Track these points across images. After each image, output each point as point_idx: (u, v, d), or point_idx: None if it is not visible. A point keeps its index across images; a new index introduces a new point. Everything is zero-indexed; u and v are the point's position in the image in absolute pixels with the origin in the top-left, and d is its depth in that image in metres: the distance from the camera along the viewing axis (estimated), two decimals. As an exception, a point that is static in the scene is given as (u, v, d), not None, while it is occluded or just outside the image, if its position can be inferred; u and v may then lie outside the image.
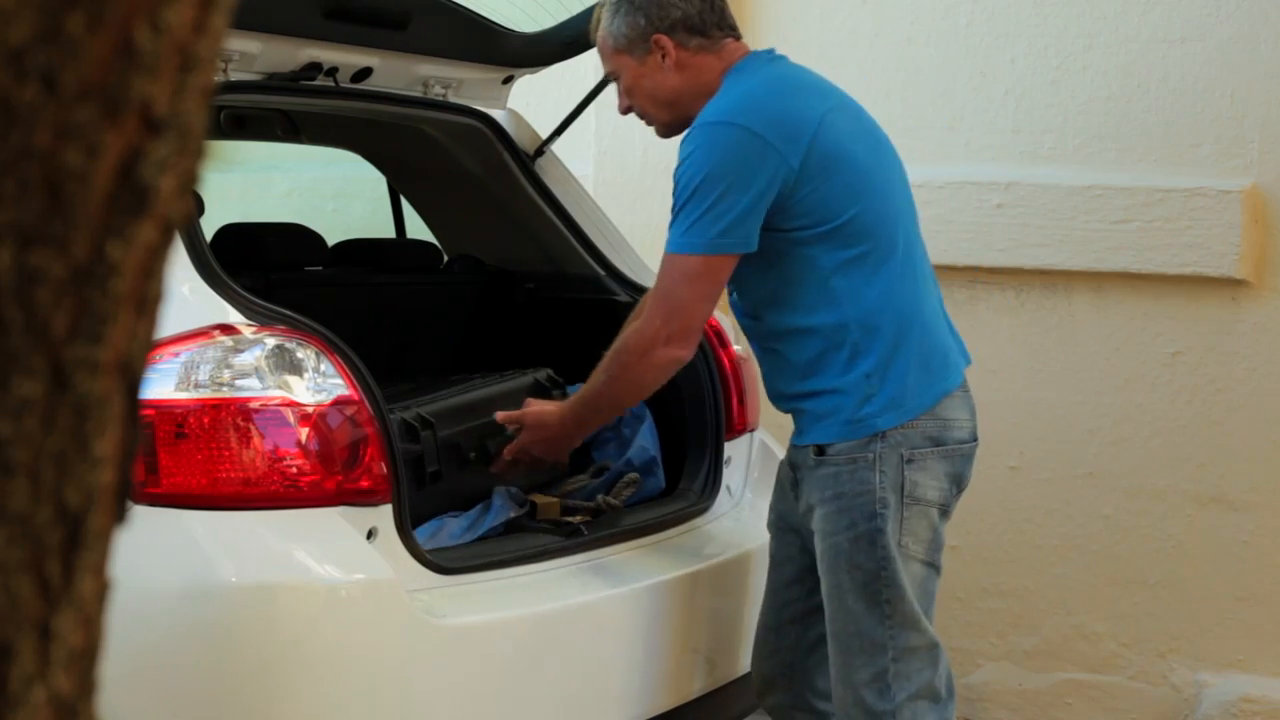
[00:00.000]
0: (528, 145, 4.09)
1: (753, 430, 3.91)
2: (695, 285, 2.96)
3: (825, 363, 3.00)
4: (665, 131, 3.22)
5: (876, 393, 2.96)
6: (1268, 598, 4.39)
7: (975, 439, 3.08)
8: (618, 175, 5.07)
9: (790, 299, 3.01)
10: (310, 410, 2.77)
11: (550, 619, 3.03)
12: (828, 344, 3.00)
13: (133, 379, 0.92)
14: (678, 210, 2.97)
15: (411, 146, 4.19)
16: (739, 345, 3.87)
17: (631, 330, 3.10)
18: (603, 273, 3.98)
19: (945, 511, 3.04)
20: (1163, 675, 4.50)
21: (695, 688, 3.36)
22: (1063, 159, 4.56)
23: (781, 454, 3.92)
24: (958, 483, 3.05)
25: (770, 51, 3.17)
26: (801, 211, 2.95)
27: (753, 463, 3.87)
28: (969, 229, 4.60)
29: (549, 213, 4.02)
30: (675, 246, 2.96)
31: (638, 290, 3.80)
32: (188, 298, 2.83)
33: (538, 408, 3.22)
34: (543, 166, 4.10)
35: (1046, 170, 4.57)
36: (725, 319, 4.06)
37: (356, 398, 2.83)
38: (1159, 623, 4.50)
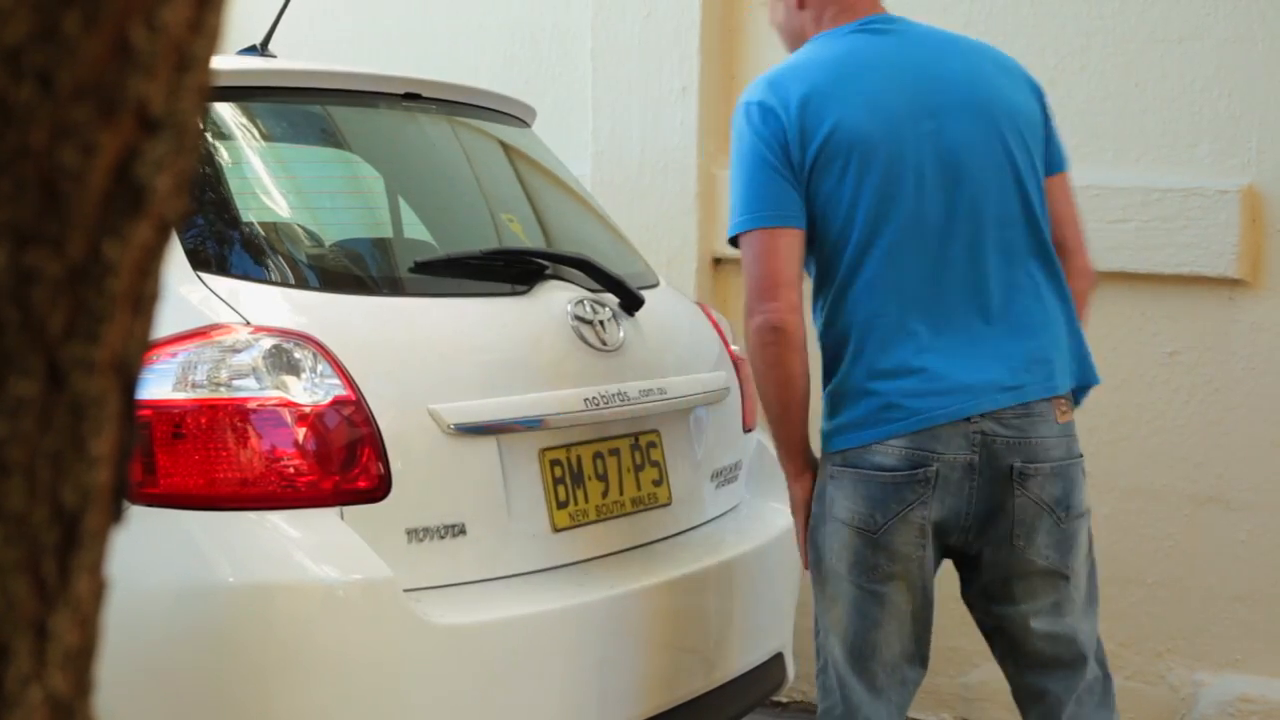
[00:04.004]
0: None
1: (751, 430, 3.93)
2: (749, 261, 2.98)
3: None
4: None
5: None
6: (1265, 598, 4.39)
7: (919, 465, 2.86)
8: (615, 175, 5.08)
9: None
10: (307, 410, 2.77)
11: (547, 620, 3.03)
12: (823, 348, 3.02)
13: (129, 379, 0.92)
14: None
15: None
16: (736, 345, 3.89)
17: None
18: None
19: (867, 530, 2.90)
20: (1160, 675, 4.51)
21: (692, 688, 3.37)
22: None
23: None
24: (880, 506, 2.88)
25: (874, 19, 3.05)
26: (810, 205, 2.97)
27: (751, 463, 3.89)
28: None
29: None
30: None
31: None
32: (185, 298, 2.83)
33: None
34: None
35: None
36: (725, 320, 4.08)
37: (354, 398, 2.83)
38: (1157, 622, 4.50)
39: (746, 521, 3.73)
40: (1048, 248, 2.98)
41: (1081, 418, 4.46)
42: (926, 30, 3.07)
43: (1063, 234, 3.04)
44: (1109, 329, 4.48)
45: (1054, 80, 4.55)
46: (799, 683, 4.42)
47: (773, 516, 3.75)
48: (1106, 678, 3.10)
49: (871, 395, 2.88)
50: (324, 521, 2.76)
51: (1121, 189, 4.44)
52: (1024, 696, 3.09)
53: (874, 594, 2.92)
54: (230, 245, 3.08)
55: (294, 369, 2.80)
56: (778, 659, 3.74)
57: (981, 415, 2.85)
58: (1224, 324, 4.39)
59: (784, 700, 4.81)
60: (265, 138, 3.39)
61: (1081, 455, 3.01)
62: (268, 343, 2.79)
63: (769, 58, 4.96)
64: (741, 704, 3.58)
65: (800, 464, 3.02)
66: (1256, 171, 4.35)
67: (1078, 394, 3.05)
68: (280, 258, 3.11)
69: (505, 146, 3.94)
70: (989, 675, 4.61)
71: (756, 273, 2.93)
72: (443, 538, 2.94)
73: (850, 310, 2.92)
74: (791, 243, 2.91)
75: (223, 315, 2.83)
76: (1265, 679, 4.40)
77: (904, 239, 2.89)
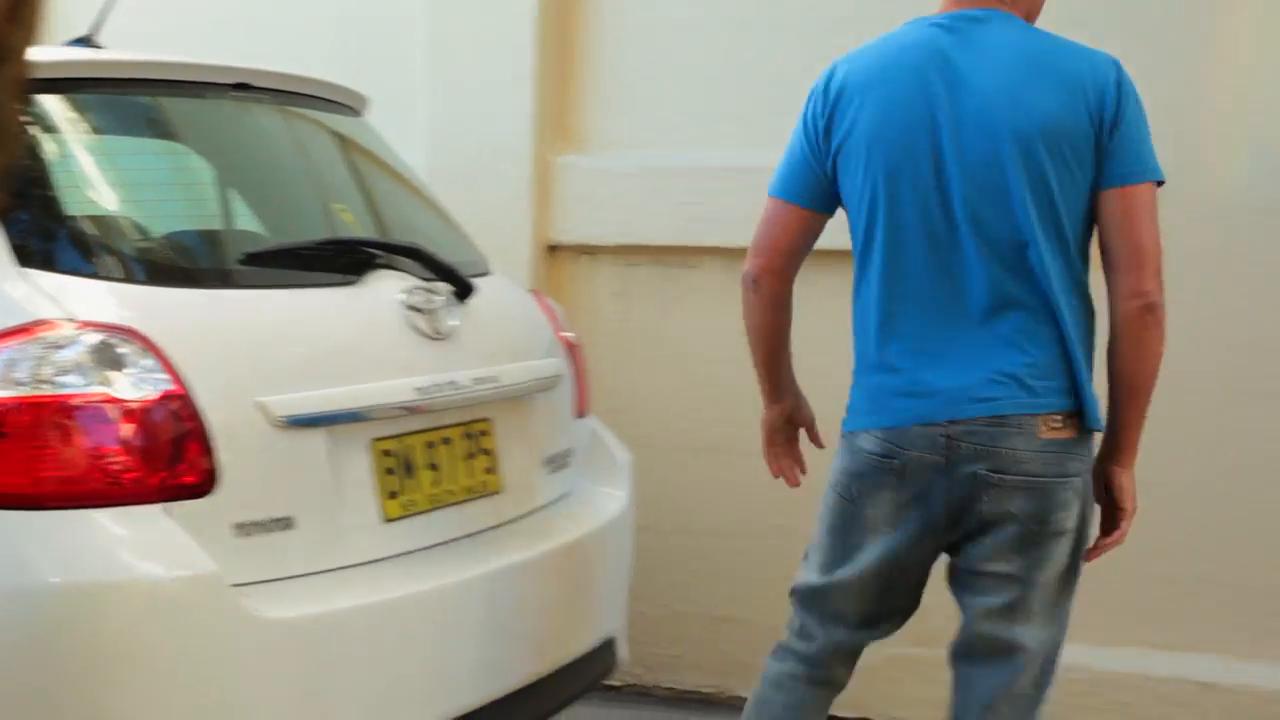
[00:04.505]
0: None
1: (583, 416, 3.97)
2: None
3: None
4: None
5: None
6: (1091, 569, 4.51)
7: (891, 457, 3.05)
8: (450, 163, 5.08)
9: None
10: (133, 406, 2.75)
11: (378, 611, 3.04)
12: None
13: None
14: None
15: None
16: (569, 331, 3.95)
17: None
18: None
19: (845, 497, 3.16)
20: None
21: (525, 675, 3.40)
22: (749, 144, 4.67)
23: (611, 441, 4.00)
24: (857, 480, 3.12)
25: (962, 15, 3.03)
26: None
27: (584, 449, 3.93)
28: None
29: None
30: None
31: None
32: (8, 294, 2.80)
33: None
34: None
35: (734, 155, 4.77)
36: (559, 307, 4.11)
37: (181, 392, 2.82)
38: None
39: (578, 507, 3.77)
40: (1073, 266, 2.97)
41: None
42: (992, 34, 2.98)
43: (1110, 251, 2.94)
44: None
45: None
46: (632, 666, 4.48)
47: (604, 502, 3.80)
48: (1036, 697, 3.23)
49: (861, 387, 3.15)
50: (150, 518, 2.74)
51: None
52: (957, 682, 3.28)
53: (842, 551, 3.17)
54: (56, 240, 3.04)
55: (119, 364, 2.78)
56: (609, 644, 3.79)
57: (950, 421, 2.96)
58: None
59: (617, 684, 4.86)
60: (93, 130, 3.35)
61: (1077, 475, 2.99)
62: (93, 338, 2.77)
63: (606, 46, 5.02)
64: (574, 689, 3.62)
65: (767, 392, 3.41)
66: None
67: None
68: (108, 252, 3.07)
69: (337, 136, 3.93)
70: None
71: (756, 232, 3.25)
72: (271, 531, 2.94)
73: (860, 301, 3.14)
74: (789, 216, 3.19)
75: (47, 311, 2.79)
76: (1087, 648, 4.53)
77: (904, 242, 3.00)
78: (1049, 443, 2.94)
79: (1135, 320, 2.90)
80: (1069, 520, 3.00)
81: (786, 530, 4.72)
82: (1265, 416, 4.40)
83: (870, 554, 3.13)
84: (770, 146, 4.72)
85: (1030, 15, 3.07)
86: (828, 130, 3.08)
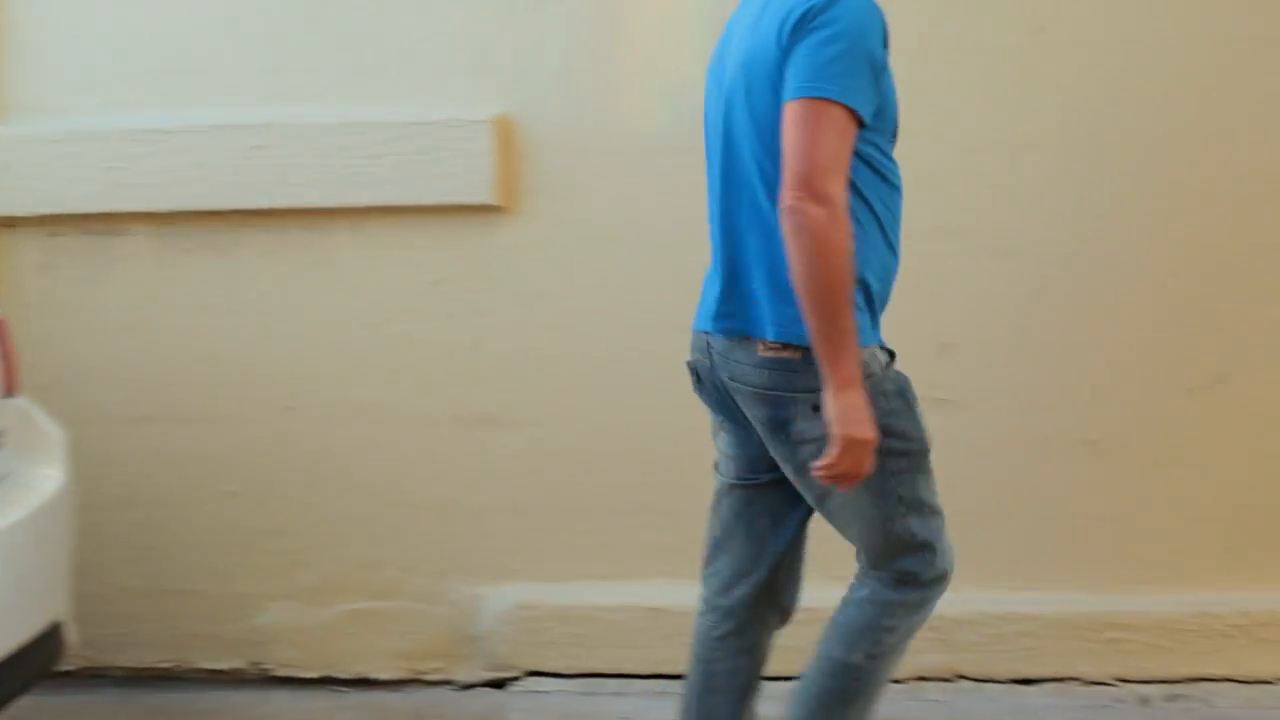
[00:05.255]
0: None
1: (13, 395, 3.75)
2: None
3: None
4: None
5: None
6: (534, 509, 4.62)
7: (691, 365, 3.32)
8: None
9: None
10: None
11: None
12: None
13: None
14: None
15: None
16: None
17: None
18: None
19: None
20: (442, 593, 4.66)
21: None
22: (320, 97, 4.58)
23: (43, 420, 3.80)
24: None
25: None
26: None
27: (17, 430, 3.71)
28: (228, 172, 4.55)
29: None
30: None
31: None
32: None
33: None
34: None
35: (305, 109, 4.57)
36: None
37: None
38: (436, 544, 4.65)
39: (12, 492, 3.56)
40: (773, 190, 3.00)
41: (355, 353, 4.57)
42: None
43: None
44: (374, 264, 4.56)
45: (312, 18, 4.56)
46: (83, 649, 4.28)
47: (42, 484, 3.60)
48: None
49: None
50: None
51: (380, 125, 4.51)
52: None
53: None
54: None
55: None
56: (55, 630, 3.60)
57: (707, 331, 3.21)
58: (485, 250, 4.55)
59: (69, 669, 4.64)
60: None
61: (808, 391, 3.01)
62: None
63: (18, 7, 4.71)
64: (19, 681, 3.43)
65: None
66: (507, 101, 4.51)
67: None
68: None
69: None
70: (276, 616, 4.66)
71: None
72: None
73: None
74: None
75: None
76: (541, 584, 4.64)
77: (708, 179, 3.25)
78: (765, 359, 3.06)
79: (794, 233, 2.90)
80: (811, 431, 3.04)
81: (238, 497, 4.62)
82: (658, 346, 4.56)
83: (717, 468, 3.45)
84: (193, 107, 4.59)
85: None
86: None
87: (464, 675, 4.69)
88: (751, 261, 3.10)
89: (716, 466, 3.45)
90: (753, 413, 3.15)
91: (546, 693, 4.62)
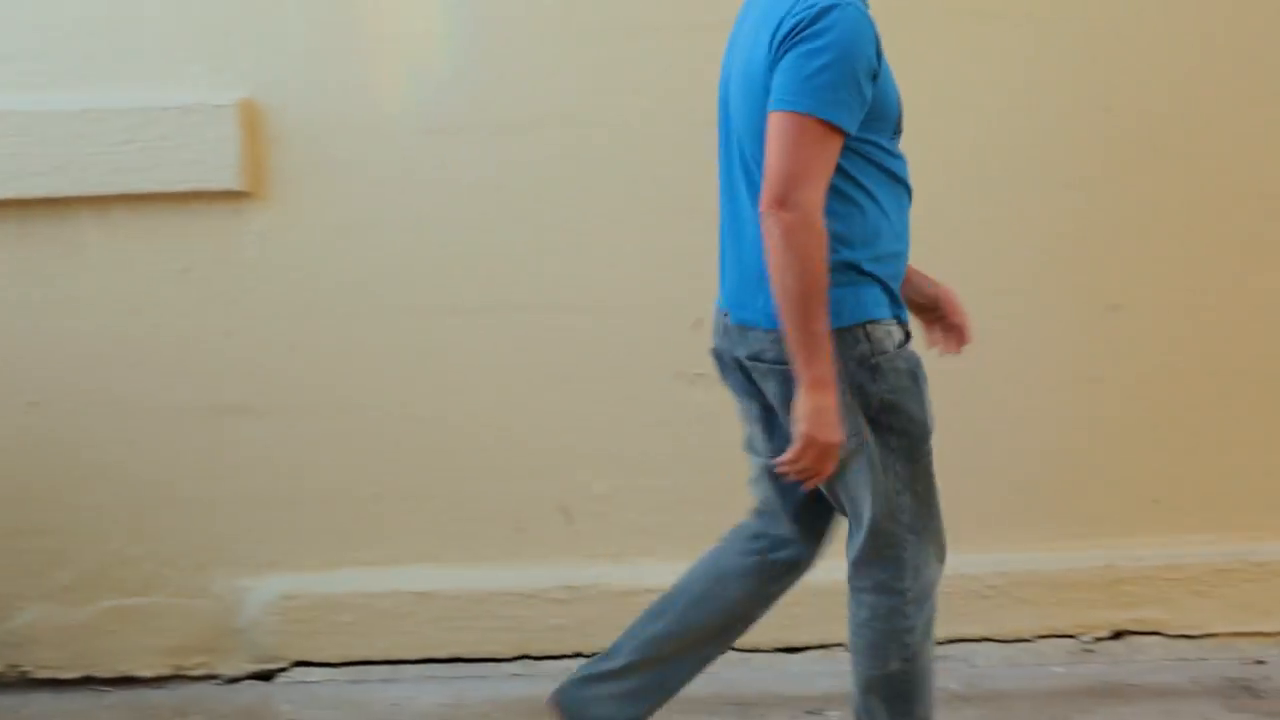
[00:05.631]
0: None
1: None
2: None
3: None
4: None
5: None
6: (294, 498, 4.56)
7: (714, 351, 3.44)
8: None
9: None
10: None
11: None
12: None
13: None
14: None
15: None
16: None
17: None
18: None
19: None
20: (203, 587, 4.59)
21: None
22: (58, 85, 4.45)
23: None
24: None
25: None
26: None
27: None
28: (-36, 164, 4.42)
29: None
30: None
31: None
32: None
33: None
34: None
35: (41, 97, 4.44)
36: None
37: None
38: (195, 537, 4.58)
39: None
40: (756, 191, 3.15)
41: (91, 345, 4.45)
42: None
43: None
44: (119, 253, 4.46)
45: (42, 4, 4.43)
46: None
47: None
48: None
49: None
50: None
51: (123, 110, 4.40)
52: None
53: None
54: None
55: None
56: None
57: (725, 311, 3.35)
58: (233, 236, 4.47)
59: None
60: None
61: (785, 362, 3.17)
62: None
63: None
64: None
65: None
66: (251, 85, 4.43)
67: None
68: None
69: None
70: (33, 617, 4.57)
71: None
72: None
73: None
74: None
75: None
76: (302, 574, 4.59)
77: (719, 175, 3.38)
78: (774, 339, 3.18)
79: (770, 233, 3.04)
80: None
81: None
82: (411, 330, 4.53)
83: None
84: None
85: None
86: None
87: (229, 669, 4.62)
88: (750, 257, 3.22)
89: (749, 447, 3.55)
90: (767, 389, 3.26)
91: (315, 683, 4.59)
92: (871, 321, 3.15)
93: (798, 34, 3.03)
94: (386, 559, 4.61)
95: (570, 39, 4.42)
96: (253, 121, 4.43)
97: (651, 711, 3.53)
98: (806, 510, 3.47)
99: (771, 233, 3.01)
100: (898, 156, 3.24)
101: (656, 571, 4.51)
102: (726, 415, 4.47)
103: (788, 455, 3.09)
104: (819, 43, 3.01)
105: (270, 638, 4.60)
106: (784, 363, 3.14)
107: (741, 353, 3.28)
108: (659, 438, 4.56)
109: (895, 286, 3.23)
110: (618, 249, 4.48)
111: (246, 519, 4.57)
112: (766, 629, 4.52)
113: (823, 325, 3.02)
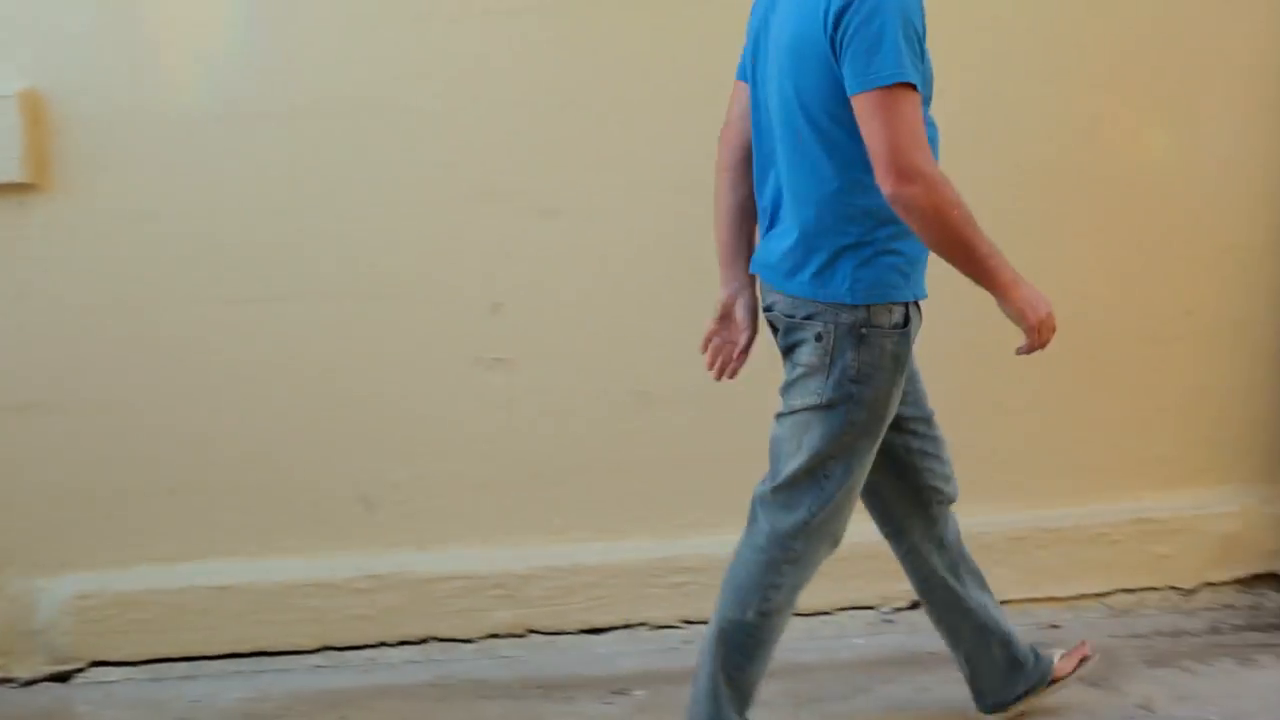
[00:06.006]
0: None
1: None
2: None
3: None
4: None
5: None
6: (89, 496, 4.48)
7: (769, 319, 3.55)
8: None
9: None
10: None
11: None
12: None
13: None
14: None
15: None
16: None
17: None
18: None
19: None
20: (-1, 588, 4.51)
21: None
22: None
23: None
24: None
25: None
26: None
27: None
28: None
29: None
30: None
31: None
32: None
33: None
34: None
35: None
36: None
37: None
38: (-9, 537, 4.49)
39: None
40: (810, 160, 3.31)
41: None
42: None
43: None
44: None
45: None
46: None
47: None
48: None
49: None
50: None
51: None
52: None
53: None
54: None
55: None
56: None
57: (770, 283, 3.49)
58: (19, 229, 4.36)
59: None
60: None
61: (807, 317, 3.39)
62: None
63: None
64: None
65: None
66: (35, 74, 4.33)
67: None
68: None
69: None
70: None
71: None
72: None
73: None
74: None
75: None
76: (98, 573, 4.51)
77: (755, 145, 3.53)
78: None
79: (905, 208, 3.15)
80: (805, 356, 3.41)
81: None
82: (199, 321, 4.48)
83: None
84: None
85: None
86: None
87: (24, 671, 4.53)
88: (787, 223, 3.40)
89: None
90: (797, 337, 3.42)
91: (113, 682, 4.51)
92: (876, 303, 3.33)
93: (851, 9, 3.13)
94: (183, 554, 4.54)
95: (359, 23, 4.39)
96: (35, 111, 4.32)
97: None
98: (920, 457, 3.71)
99: (909, 209, 3.12)
100: (933, 125, 3.37)
101: (460, 558, 4.53)
102: (526, 399, 4.49)
103: (1025, 347, 3.34)
104: (872, 7, 3.12)
105: (66, 638, 4.51)
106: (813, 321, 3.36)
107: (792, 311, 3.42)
108: (459, 423, 4.55)
109: (922, 260, 3.40)
110: (415, 235, 4.46)
111: (39, 518, 4.47)
112: (571, 610, 4.57)
113: (986, 246, 3.19)
